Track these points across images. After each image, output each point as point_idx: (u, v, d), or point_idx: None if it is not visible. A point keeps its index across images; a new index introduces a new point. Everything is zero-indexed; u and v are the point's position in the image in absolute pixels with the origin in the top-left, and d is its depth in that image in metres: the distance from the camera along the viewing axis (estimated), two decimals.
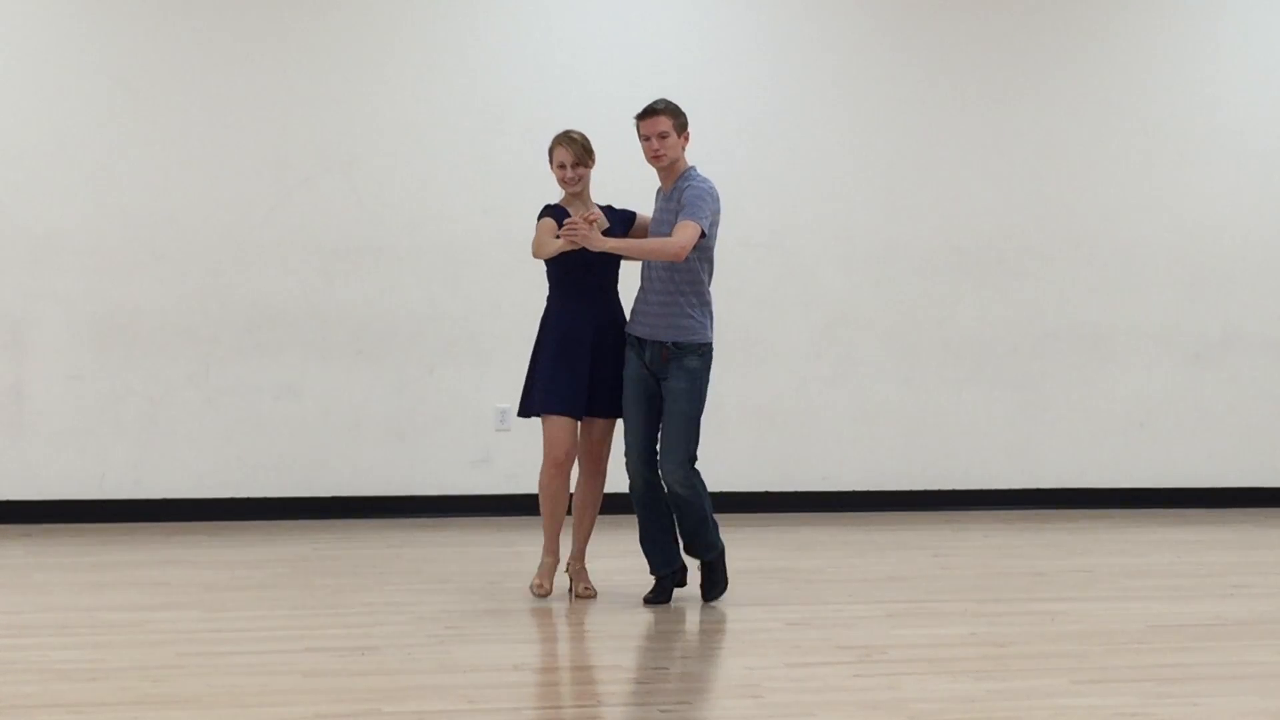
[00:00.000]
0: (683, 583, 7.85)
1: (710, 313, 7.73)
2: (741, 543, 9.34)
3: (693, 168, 7.66)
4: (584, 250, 7.52)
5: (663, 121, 7.56)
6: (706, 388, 7.68)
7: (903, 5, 10.87)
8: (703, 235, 7.49)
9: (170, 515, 10.03)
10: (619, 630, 7.17)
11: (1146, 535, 10.10)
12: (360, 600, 7.73)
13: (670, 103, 7.66)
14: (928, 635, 7.09)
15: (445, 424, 10.34)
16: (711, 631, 7.19)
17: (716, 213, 7.59)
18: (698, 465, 7.66)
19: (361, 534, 9.71)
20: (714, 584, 7.78)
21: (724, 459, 10.61)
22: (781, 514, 10.62)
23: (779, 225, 10.74)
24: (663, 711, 5.92)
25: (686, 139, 7.66)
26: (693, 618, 7.52)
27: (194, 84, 10.06)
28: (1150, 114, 11.15)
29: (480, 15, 10.39)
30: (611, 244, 7.48)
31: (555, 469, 7.70)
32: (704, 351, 7.66)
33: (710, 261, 7.67)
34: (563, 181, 7.78)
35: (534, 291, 10.32)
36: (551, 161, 7.81)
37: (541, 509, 7.80)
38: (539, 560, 7.96)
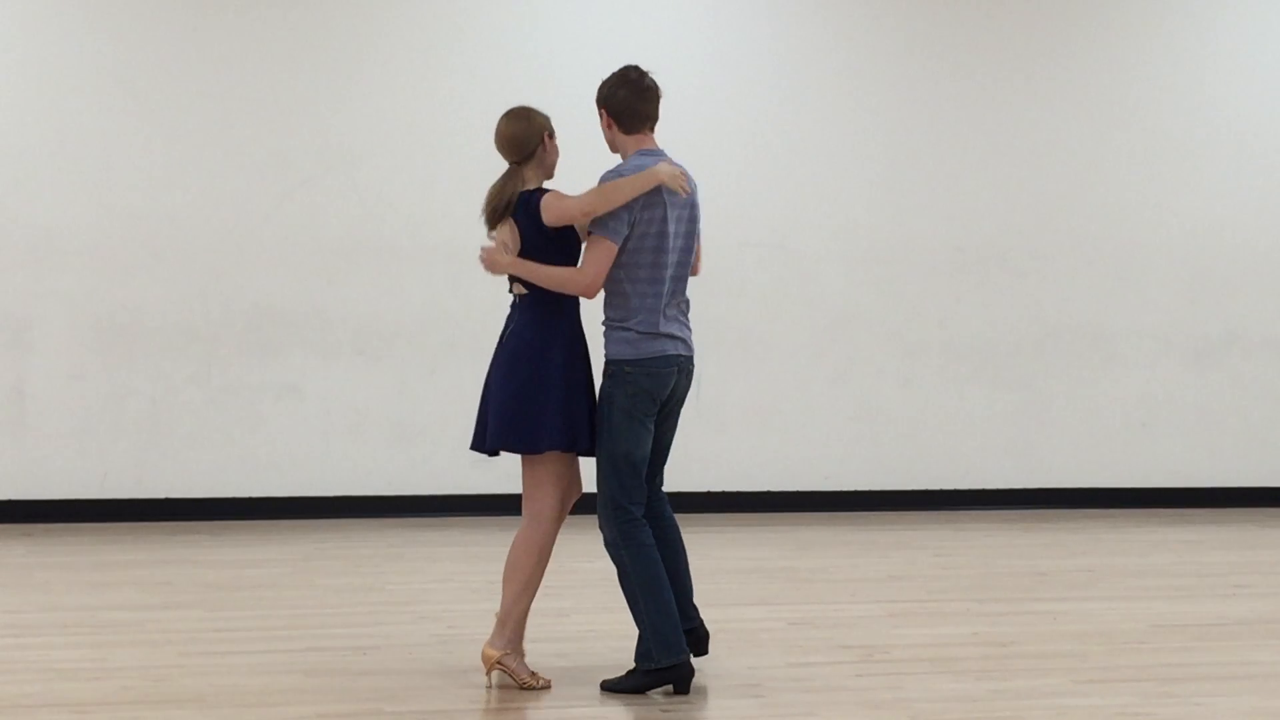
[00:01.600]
0: (698, 650, 6.49)
1: (625, 323, 6.29)
2: (743, 543, 9.34)
3: (633, 157, 6.37)
4: None
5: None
6: (619, 419, 6.24)
7: (904, 5, 10.87)
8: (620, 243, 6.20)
9: (172, 515, 10.03)
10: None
11: (1148, 535, 10.10)
12: (361, 600, 7.72)
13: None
14: (929, 635, 7.08)
15: (446, 424, 10.33)
16: (713, 631, 7.17)
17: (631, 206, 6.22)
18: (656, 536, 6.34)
19: (362, 533, 9.71)
20: (620, 682, 6.29)
21: (725, 459, 10.62)
22: (783, 514, 10.62)
23: (780, 225, 10.73)
24: (664, 711, 5.92)
25: (607, 124, 6.41)
26: None
27: (195, 83, 10.06)
28: (1151, 114, 11.15)
29: (481, 14, 10.38)
30: (525, 269, 6.31)
31: (561, 519, 6.35)
32: (612, 372, 6.27)
33: (636, 265, 6.28)
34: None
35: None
36: (553, 140, 6.49)
37: (528, 575, 6.30)
38: (504, 646, 6.32)
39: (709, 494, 10.57)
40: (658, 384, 6.29)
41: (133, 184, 10.01)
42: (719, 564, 8.71)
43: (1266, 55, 11.26)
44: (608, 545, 6.31)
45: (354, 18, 10.23)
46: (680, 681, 6.21)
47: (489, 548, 9.10)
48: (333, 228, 10.21)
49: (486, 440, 6.35)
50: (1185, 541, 9.89)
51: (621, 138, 6.41)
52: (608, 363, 6.31)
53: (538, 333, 6.33)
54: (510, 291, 6.47)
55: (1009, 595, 8.15)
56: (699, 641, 6.46)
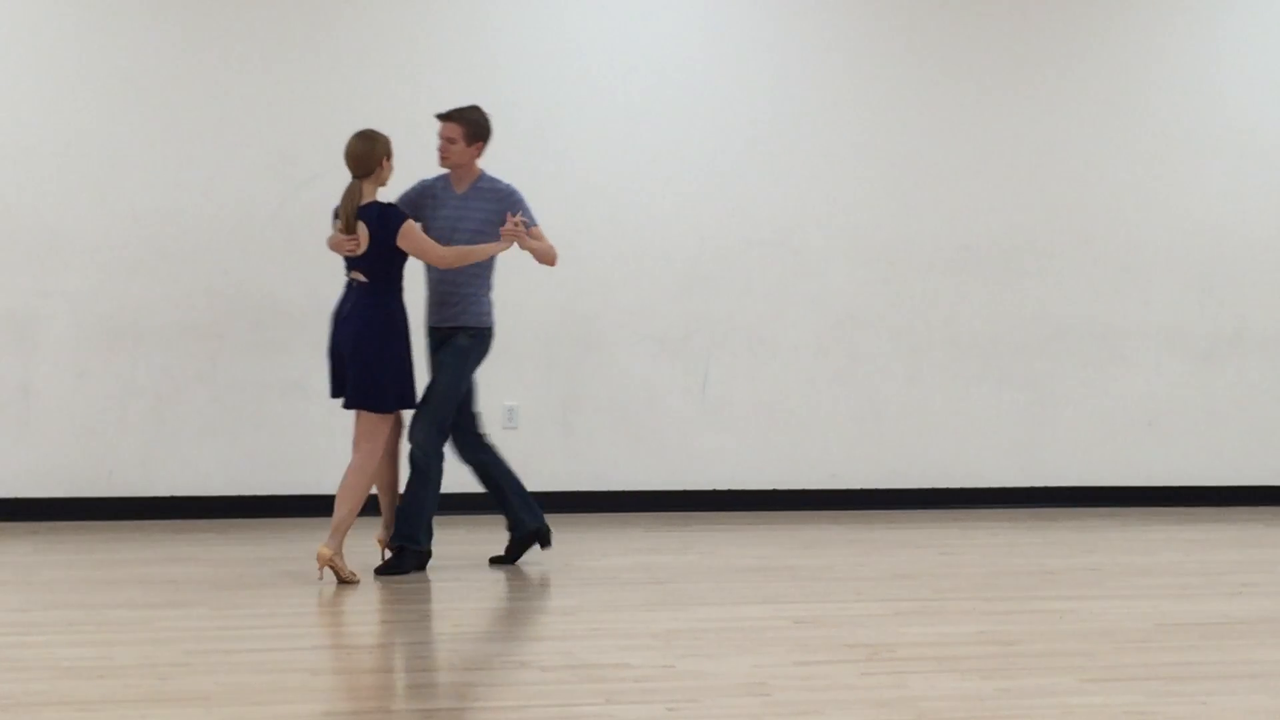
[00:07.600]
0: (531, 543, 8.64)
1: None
2: (748, 541, 9.33)
3: (484, 171, 8.53)
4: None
5: (451, 128, 8.45)
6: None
7: (909, 4, 10.86)
8: None
9: (177, 513, 10.04)
10: (625, 628, 7.17)
11: (1154, 534, 10.09)
12: (366, 598, 7.72)
13: (463, 111, 8.47)
14: (935, 633, 7.08)
15: None
16: (718, 629, 7.18)
17: None
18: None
19: (368, 531, 9.70)
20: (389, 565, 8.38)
21: (730, 457, 10.61)
22: (788, 512, 10.62)
23: (785, 223, 10.73)
24: (669, 709, 5.92)
25: (477, 150, 8.49)
26: (697, 616, 7.51)
27: (200, 82, 10.06)
28: (1157, 112, 11.15)
29: (484, 14, 10.39)
30: (543, 246, 8.46)
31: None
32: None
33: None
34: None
35: (535, 290, 10.35)
36: (389, 161, 8.32)
37: (363, 495, 8.23)
38: (336, 549, 8.09)
39: (714, 492, 10.56)
40: None
41: (138, 183, 10.01)
42: (724, 561, 8.71)
43: (1272, 54, 11.26)
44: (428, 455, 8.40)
45: (357, 18, 10.23)
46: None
47: (492, 546, 9.11)
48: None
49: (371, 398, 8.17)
50: (1191, 540, 9.89)
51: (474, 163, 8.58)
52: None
53: (393, 311, 8.25)
54: (349, 275, 8.15)
55: (1014, 594, 8.14)
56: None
